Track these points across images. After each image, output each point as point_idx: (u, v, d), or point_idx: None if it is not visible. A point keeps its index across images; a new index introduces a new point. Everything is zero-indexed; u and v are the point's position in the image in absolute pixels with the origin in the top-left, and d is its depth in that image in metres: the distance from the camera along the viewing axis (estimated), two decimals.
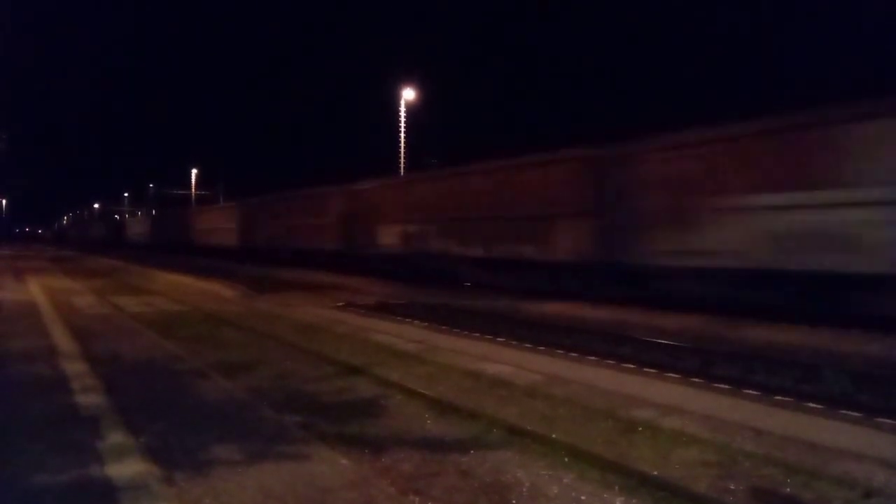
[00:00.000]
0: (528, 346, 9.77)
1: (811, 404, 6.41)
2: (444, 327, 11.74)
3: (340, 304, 15.47)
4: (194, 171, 73.79)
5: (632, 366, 8.32)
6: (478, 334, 10.92)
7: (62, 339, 9.72)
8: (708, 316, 12.50)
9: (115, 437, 5.15)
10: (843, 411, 6.16)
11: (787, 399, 6.65)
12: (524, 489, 4.36)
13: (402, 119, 33.50)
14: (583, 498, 4.23)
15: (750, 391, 6.96)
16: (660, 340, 10.21)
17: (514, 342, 10.16)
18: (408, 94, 33.53)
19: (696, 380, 7.56)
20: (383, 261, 24.22)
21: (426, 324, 12.13)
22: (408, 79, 35.32)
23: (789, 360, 8.71)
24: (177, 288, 19.77)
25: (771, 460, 4.73)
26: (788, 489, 4.30)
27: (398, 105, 33.63)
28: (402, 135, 33.40)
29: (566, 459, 4.88)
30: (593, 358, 8.81)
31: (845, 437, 5.22)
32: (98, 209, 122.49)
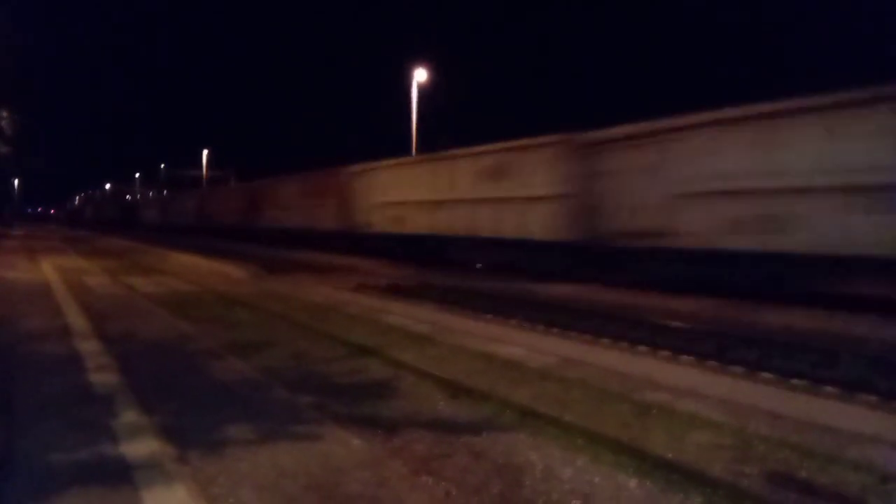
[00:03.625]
0: (541, 328, 9.74)
1: (828, 388, 6.37)
2: (456, 309, 11.72)
3: (352, 285, 15.48)
4: (205, 152, 73.95)
5: (645, 349, 8.29)
6: (490, 316, 10.90)
7: (75, 319, 9.77)
8: (722, 300, 12.42)
9: (129, 415, 5.18)
10: (860, 395, 6.11)
11: (803, 383, 6.61)
12: (537, 471, 4.34)
13: (414, 100, 33.32)
14: (596, 480, 4.21)
15: (766, 375, 6.92)
16: (674, 324, 10.15)
17: (526, 324, 10.14)
18: (420, 75, 33.32)
19: (711, 363, 7.52)
20: None
21: (438, 305, 12.11)
22: (420, 59, 35.04)
23: (805, 345, 8.64)
24: (189, 269, 19.84)
25: (786, 444, 4.70)
26: (804, 473, 4.26)
27: (410, 86, 33.46)
28: (414, 115, 33.25)
29: (579, 442, 4.85)
30: (607, 340, 8.78)
31: (862, 421, 5.18)
32: (110, 189, 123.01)
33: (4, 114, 45.57)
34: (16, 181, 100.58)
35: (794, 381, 6.66)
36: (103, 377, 6.36)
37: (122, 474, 3.99)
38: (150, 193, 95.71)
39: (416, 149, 32.80)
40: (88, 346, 7.80)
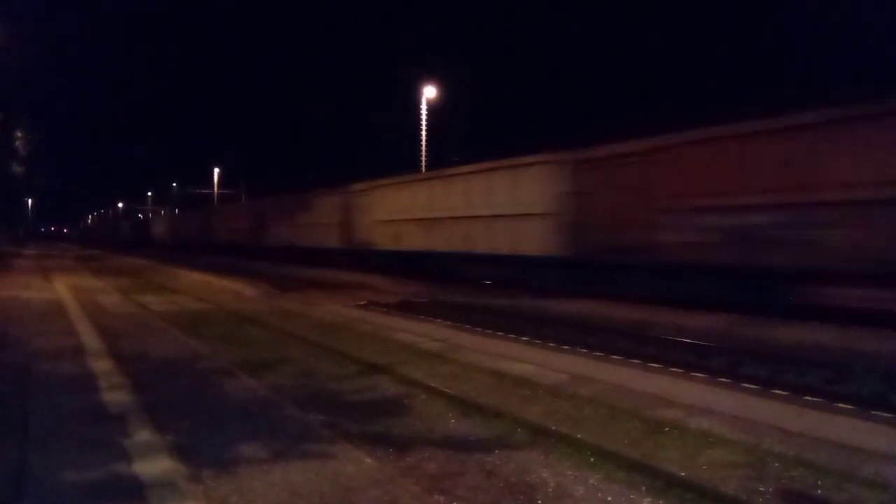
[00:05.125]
0: (552, 344, 9.71)
1: (841, 405, 6.31)
2: (466, 326, 11.71)
3: (362, 302, 15.51)
4: (217, 171, 74.53)
5: (657, 365, 8.24)
6: (501, 333, 10.88)
7: (89, 338, 9.83)
8: (733, 315, 12.36)
9: (142, 434, 5.20)
10: (875, 412, 6.05)
11: (816, 399, 6.55)
12: (550, 489, 4.33)
13: (424, 117, 33.52)
14: (609, 499, 4.19)
15: (778, 391, 6.86)
16: (685, 340, 10.10)
17: (537, 341, 10.10)
18: (429, 92, 33.54)
19: (724, 380, 7.47)
20: None
21: (448, 322, 12.11)
22: (430, 77, 35.27)
23: (818, 360, 8.58)
24: (200, 287, 19.94)
25: (801, 462, 4.66)
26: (819, 491, 4.23)
27: (420, 103, 33.66)
28: (424, 133, 33.42)
29: (592, 460, 4.84)
30: (618, 357, 8.73)
31: (877, 438, 5.13)
32: (122, 208, 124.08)
33: (18, 134, 46.20)
34: (29, 200, 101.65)
35: (808, 398, 6.60)
36: (116, 396, 6.39)
37: (135, 493, 4.00)
38: (163, 212, 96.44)
39: (427, 164, 32.95)
40: (101, 365, 7.84)
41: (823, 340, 9.98)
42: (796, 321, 11.46)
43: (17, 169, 50.93)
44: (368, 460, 4.76)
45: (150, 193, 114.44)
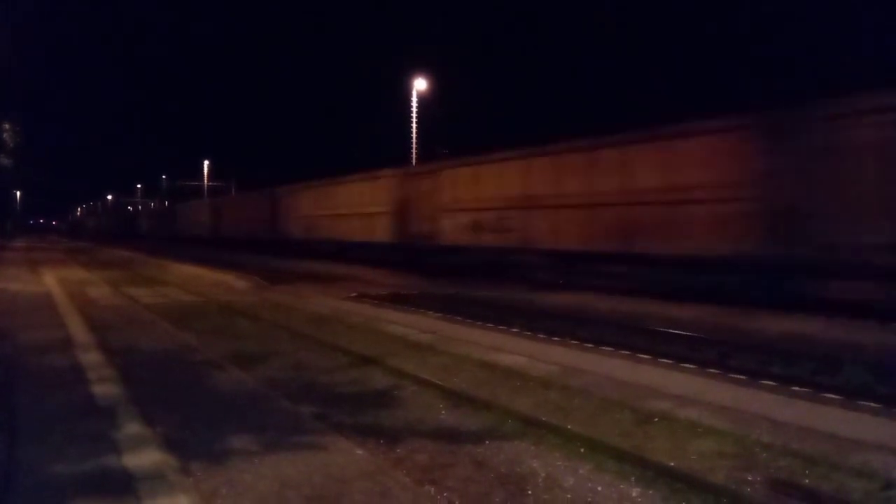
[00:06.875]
0: (543, 336, 9.74)
1: (829, 395, 6.37)
2: (457, 318, 11.71)
3: (353, 295, 15.49)
4: (206, 163, 74.20)
5: (647, 357, 8.28)
6: (491, 325, 10.90)
7: (78, 331, 9.77)
8: (722, 307, 12.42)
9: (132, 427, 5.17)
10: (862, 402, 6.11)
11: (804, 390, 6.60)
12: (540, 480, 4.35)
13: (414, 110, 33.43)
14: (599, 489, 4.21)
15: (767, 382, 6.91)
16: (675, 331, 10.15)
17: (528, 333, 10.13)
18: (419, 85, 33.44)
19: (713, 371, 7.52)
20: None
21: (439, 314, 12.11)
22: (420, 69, 35.08)
23: (806, 352, 8.64)
24: (191, 279, 19.86)
25: (789, 451, 4.70)
26: (807, 480, 4.26)
27: (410, 96, 33.57)
28: (414, 125, 33.34)
29: (582, 450, 4.86)
30: (608, 349, 8.77)
31: (864, 428, 5.18)
32: (111, 201, 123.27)
33: (6, 126, 45.88)
34: (18, 193, 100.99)
35: (795, 388, 6.65)
36: (105, 389, 6.36)
37: (125, 486, 3.99)
38: (152, 205, 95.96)
39: (417, 157, 32.86)
40: (91, 358, 7.80)
41: (810, 332, 10.05)
42: (782, 313, 11.53)
43: (6, 161, 50.62)
44: (359, 452, 4.76)
45: (139, 186, 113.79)
